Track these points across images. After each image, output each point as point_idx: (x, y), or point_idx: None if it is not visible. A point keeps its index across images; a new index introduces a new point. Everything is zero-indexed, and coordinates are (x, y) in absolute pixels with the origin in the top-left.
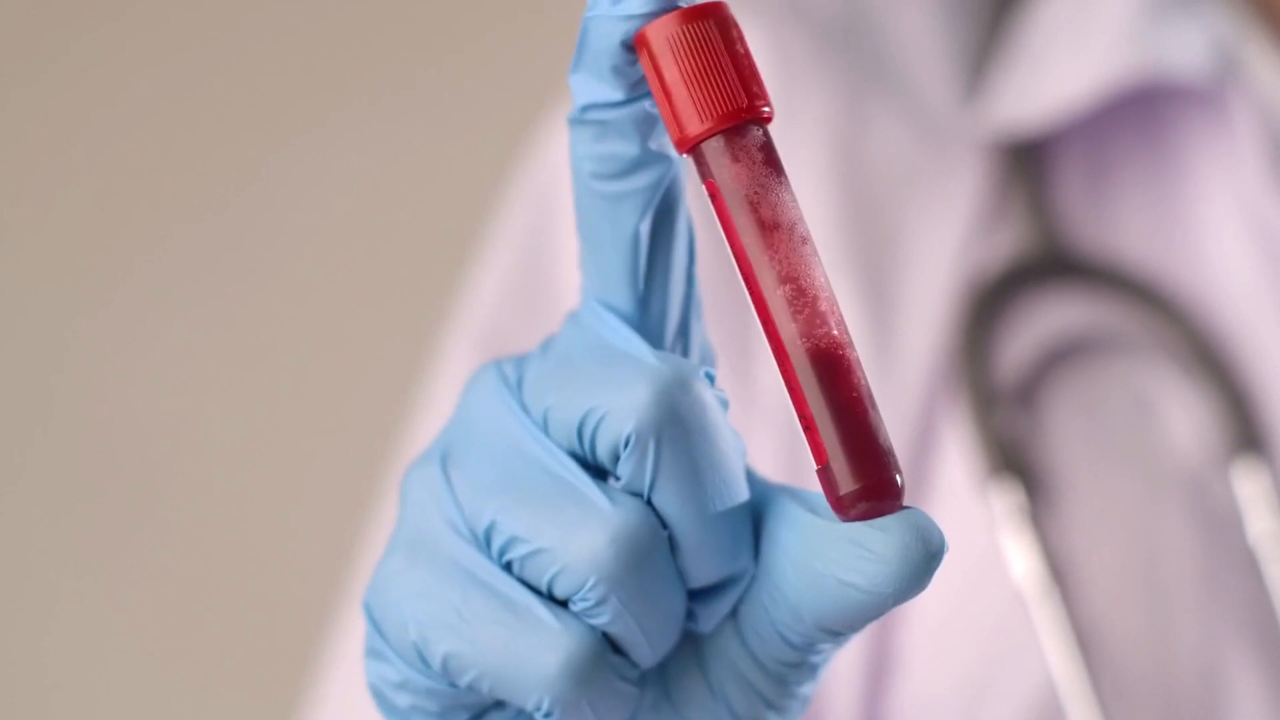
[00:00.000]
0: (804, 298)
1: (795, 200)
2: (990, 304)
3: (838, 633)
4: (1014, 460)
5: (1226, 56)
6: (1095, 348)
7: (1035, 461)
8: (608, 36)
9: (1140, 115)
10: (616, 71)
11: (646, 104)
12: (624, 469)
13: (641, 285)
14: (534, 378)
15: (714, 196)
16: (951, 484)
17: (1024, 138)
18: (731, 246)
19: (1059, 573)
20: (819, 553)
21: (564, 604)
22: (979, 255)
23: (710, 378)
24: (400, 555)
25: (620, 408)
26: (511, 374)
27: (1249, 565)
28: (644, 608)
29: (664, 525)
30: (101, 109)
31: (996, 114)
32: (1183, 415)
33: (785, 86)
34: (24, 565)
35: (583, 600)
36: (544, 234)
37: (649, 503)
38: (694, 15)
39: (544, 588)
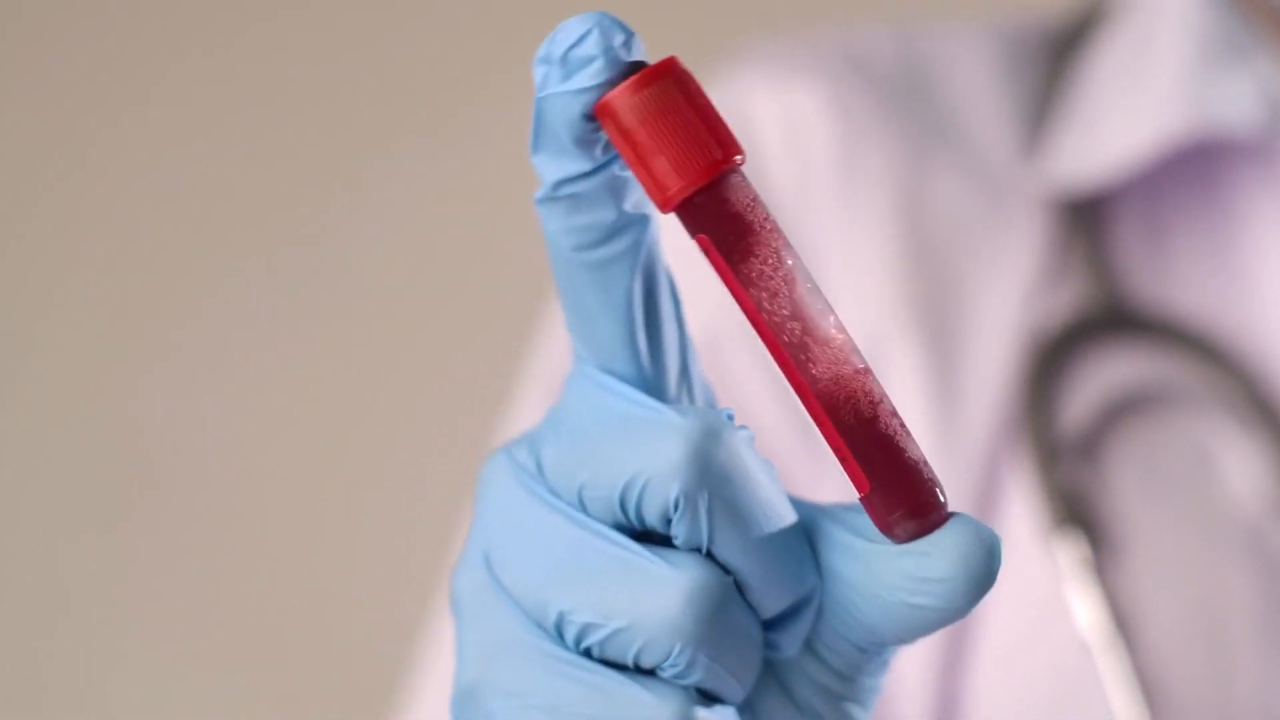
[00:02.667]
0: (814, 335)
1: (785, 239)
2: (1052, 358)
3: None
4: (1078, 512)
5: (1278, 108)
6: (1155, 401)
7: (1098, 514)
8: (566, 112)
9: (1195, 169)
10: (580, 143)
11: (615, 168)
12: (678, 530)
13: (643, 344)
14: (556, 459)
15: (707, 251)
16: (1016, 536)
17: (1083, 194)
18: (734, 295)
19: (1123, 622)
20: (882, 581)
21: (653, 671)
22: (1041, 310)
23: (730, 417)
24: (475, 665)
25: (660, 473)
26: (528, 459)
27: None
28: (729, 655)
29: (728, 571)
30: (149, 132)
31: (1055, 170)
32: (1241, 466)
33: (847, 143)
34: (53, 571)
35: (672, 666)
36: None
37: (709, 554)
38: (651, 78)
39: (630, 663)
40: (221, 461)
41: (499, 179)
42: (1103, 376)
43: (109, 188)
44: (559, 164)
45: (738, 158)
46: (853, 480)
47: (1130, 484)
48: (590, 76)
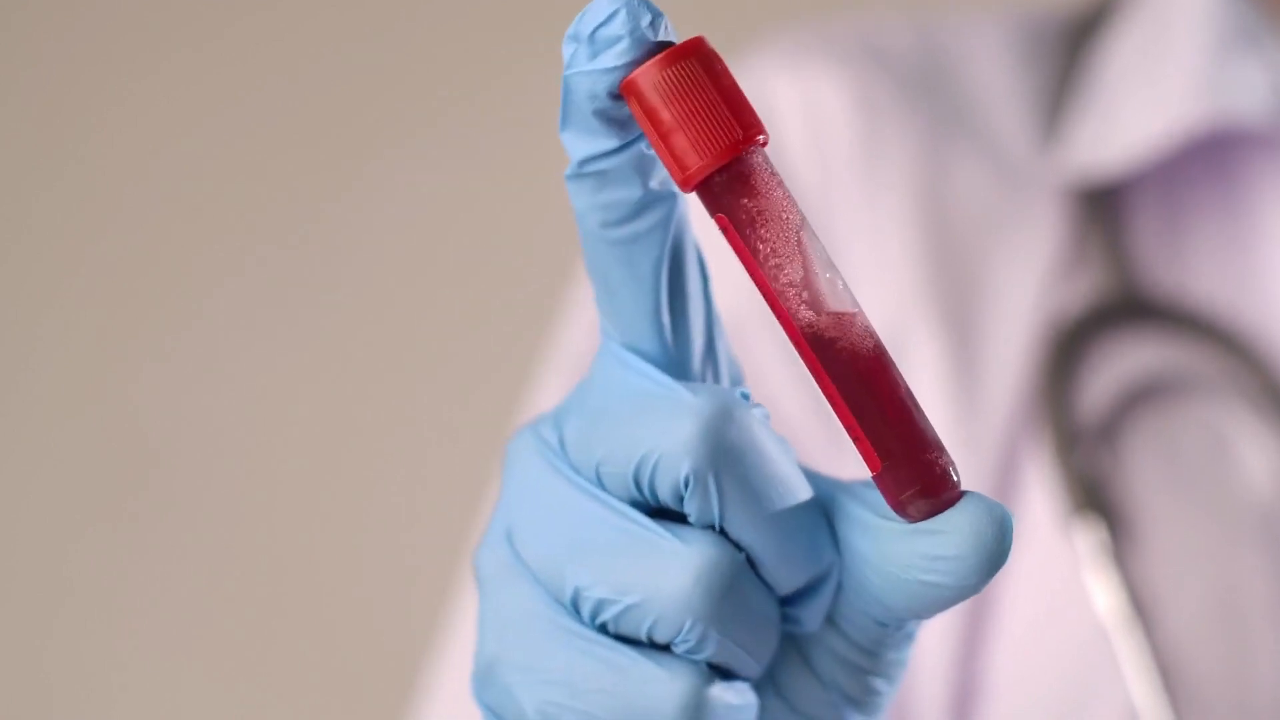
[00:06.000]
0: (828, 314)
1: (804, 220)
2: (1070, 346)
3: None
4: (1096, 498)
5: None
6: (1172, 388)
7: (1116, 499)
8: (592, 89)
9: (1211, 158)
10: (607, 121)
11: (642, 146)
12: (690, 507)
13: (666, 321)
14: (576, 435)
15: (725, 230)
16: (1035, 521)
17: (1100, 183)
18: (750, 274)
19: (1141, 607)
20: (895, 559)
21: (667, 647)
22: (1059, 298)
23: (745, 396)
24: (495, 640)
25: (671, 452)
26: (552, 435)
27: None
28: (742, 631)
29: (740, 548)
30: (151, 128)
31: (1072, 159)
32: (1256, 453)
33: (868, 131)
34: (57, 567)
35: (684, 642)
36: None
37: (722, 530)
38: (676, 56)
39: (644, 638)
40: (227, 453)
41: (509, 164)
42: (1120, 364)
43: (112, 183)
44: (586, 141)
45: (760, 138)
46: (865, 459)
47: (1148, 470)
48: (616, 56)
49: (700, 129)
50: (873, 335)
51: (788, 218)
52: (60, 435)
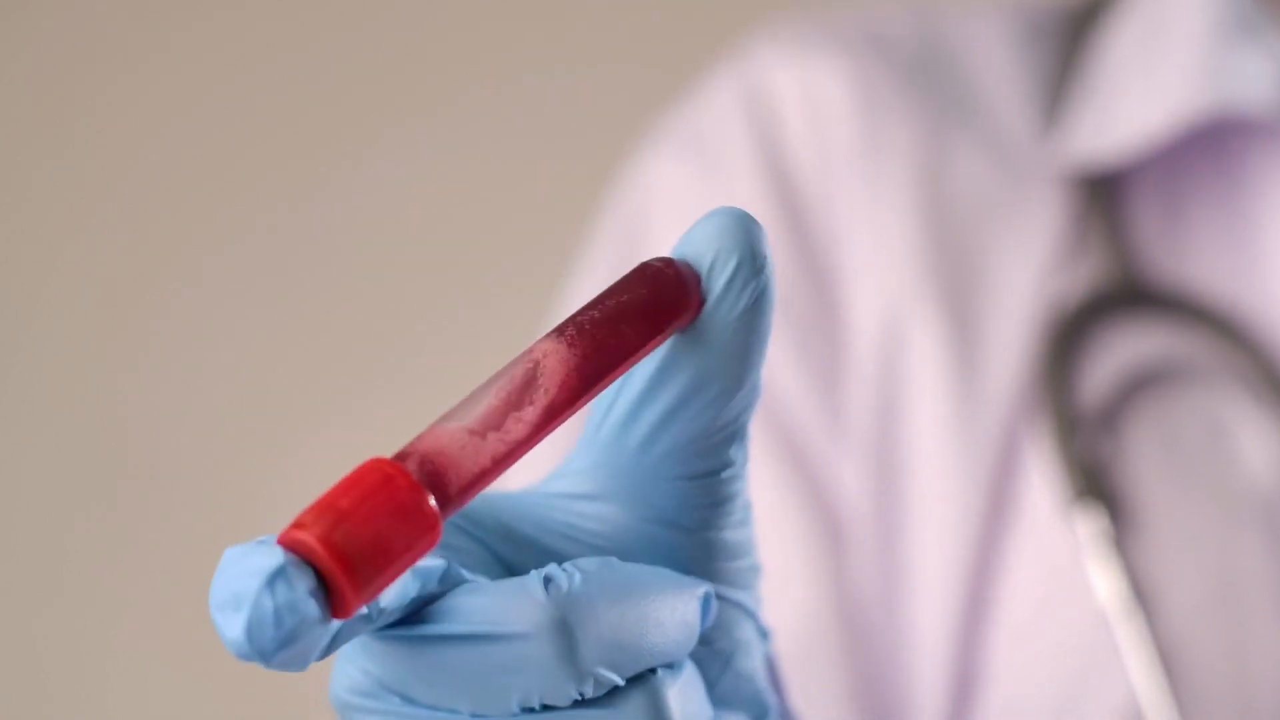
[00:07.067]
0: (558, 383)
1: (477, 410)
2: (1071, 333)
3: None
4: (1097, 486)
5: None
6: (1172, 376)
7: (1117, 487)
8: (316, 648)
9: (1212, 147)
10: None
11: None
12: (595, 696)
13: (414, 592)
14: (425, 695)
15: (490, 480)
16: (1036, 508)
17: (1100, 171)
18: (527, 450)
19: (1141, 594)
20: (711, 327)
21: None
22: (1059, 286)
23: (547, 579)
24: None
25: (550, 688)
26: (390, 702)
27: None
28: (698, 711)
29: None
30: (141, 126)
31: (1073, 147)
32: (1256, 440)
33: (869, 121)
34: (43, 564)
35: None
36: (636, 259)
37: (630, 681)
38: (346, 566)
39: None
40: (220, 452)
41: (505, 161)
42: (1120, 351)
43: (96, 178)
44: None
45: (404, 478)
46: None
47: (1148, 457)
48: (306, 638)
49: (408, 547)
50: (540, 349)
51: (484, 434)
52: (45, 434)
